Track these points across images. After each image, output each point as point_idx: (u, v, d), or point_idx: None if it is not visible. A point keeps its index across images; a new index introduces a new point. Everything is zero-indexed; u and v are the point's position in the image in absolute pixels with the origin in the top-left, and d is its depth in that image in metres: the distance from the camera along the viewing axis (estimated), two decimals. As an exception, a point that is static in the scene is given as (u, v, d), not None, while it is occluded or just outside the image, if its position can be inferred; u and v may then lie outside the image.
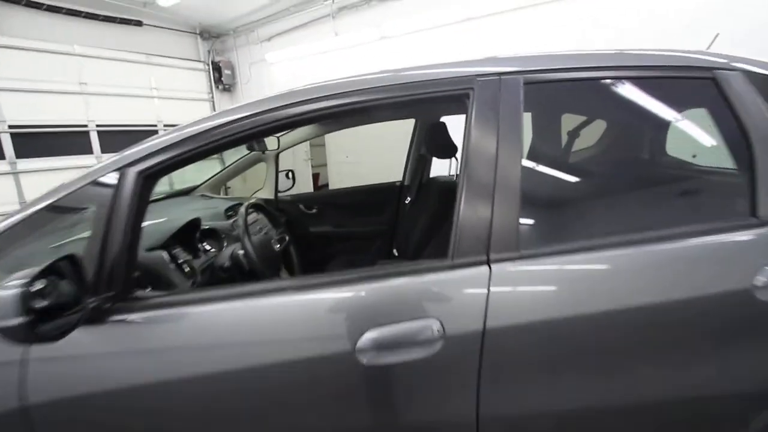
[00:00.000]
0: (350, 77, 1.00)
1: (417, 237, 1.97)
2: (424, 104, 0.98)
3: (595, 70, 0.97)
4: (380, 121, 2.36)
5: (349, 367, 0.86)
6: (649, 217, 0.98)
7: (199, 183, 2.36)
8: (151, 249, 1.21)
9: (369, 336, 0.85)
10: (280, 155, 2.38)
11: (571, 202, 1.03)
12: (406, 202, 2.38)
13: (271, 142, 2.16)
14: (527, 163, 0.92)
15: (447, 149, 1.87)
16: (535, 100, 0.96)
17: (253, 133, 0.97)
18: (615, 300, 0.86)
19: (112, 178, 0.91)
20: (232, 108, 0.99)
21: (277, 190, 2.39)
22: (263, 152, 2.12)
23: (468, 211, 0.90)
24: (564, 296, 0.87)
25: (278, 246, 1.40)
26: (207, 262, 1.36)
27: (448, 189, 1.89)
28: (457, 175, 2.01)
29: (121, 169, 0.92)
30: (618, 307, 0.86)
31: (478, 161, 0.92)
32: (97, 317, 0.87)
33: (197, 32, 6.11)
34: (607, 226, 0.99)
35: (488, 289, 0.87)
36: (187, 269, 1.24)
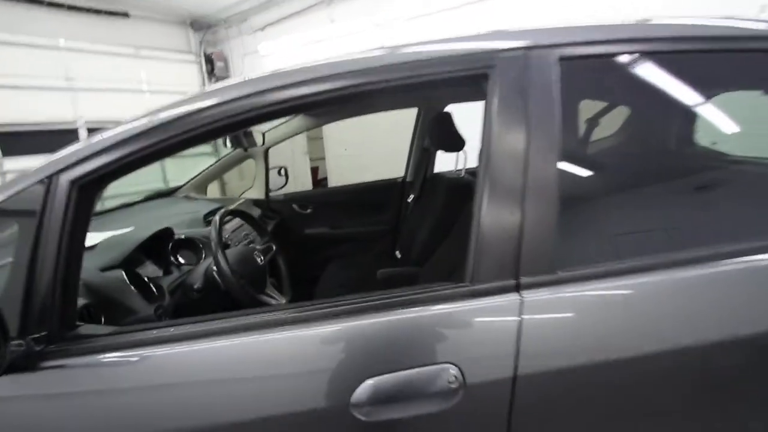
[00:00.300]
0: (341, 57, 0.80)
1: (422, 239, 1.79)
2: (430, 88, 0.78)
3: (652, 43, 0.76)
4: (379, 111, 2.16)
5: (343, 426, 0.67)
6: (731, 225, 0.78)
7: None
8: (109, 267, 1.03)
9: (367, 386, 0.67)
10: (275, 149, 2.18)
11: (623, 208, 0.83)
12: (409, 200, 2.19)
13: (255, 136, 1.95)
14: (566, 160, 0.72)
15: (454, 142, 1.68)
16: (574, 82, 0.76)
17: (224, 126, 0.77)
18: (689, 333, 0.67)
19: (37, 190, 0.72)
20: (194, 95, 0.80)
21: (267, 190, 2.20)
22: (245, 150, 1.91)
23: (491, 223, 0.71)
24: (619, 330, 0.68)
25: (262, 258, 1.21)
26: (178, 280, 1.17)
27: (455, 186, 1.70)
28: (465, 171, 1.81)
29: (50, 178, 0.72)
30: (694, 342, 0.67)
31: (503, 160, 0.72)
32: (25, 364, 0.69)
33: (187, 23, 5.86)
34: (674, 238, 0.79)
35: (519, 324, 0.68)
36: (154, 290, 1.05)
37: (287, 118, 2.09)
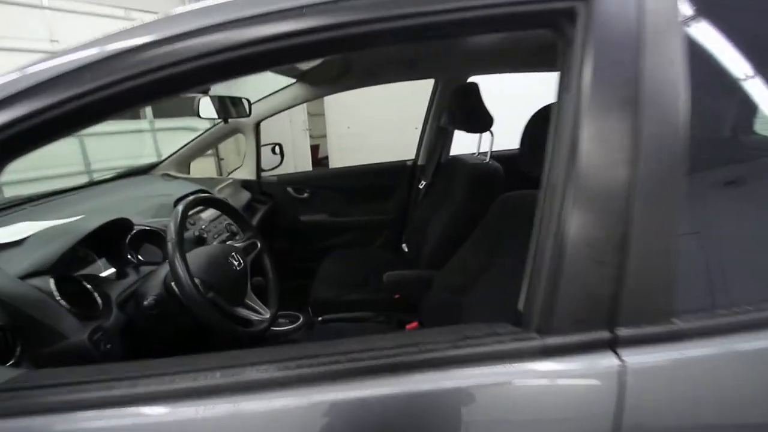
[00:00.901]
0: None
1: (435, 234, 1.54)
2: (470, 33, 0.51)
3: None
4: (390, 82, 1.87)
5: None
6: None
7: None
8: (37, 272, 0.77)
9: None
10: (271, 124, 1.90)
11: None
12: (420, 186, 1.93)
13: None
14: (699, 146, 0.47)
15: (479, 120, 1.41)
16: (711, 24, 0.49)
17: (169, 78, 0.50)
18: None
19: None
20: (126, 29, 0.54)
21: (259, 169, 1.93)
22: (225, 120, 1.63)
23: (573, 242, 0.45)
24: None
25: (241, 261, 0.94)
26: (132, 287, 0.91)
27: (478, 175, 1.43)
28: (490, 155, 1.54)
29: None
30: None
31: (597, 145, 0.46)
32: None
33: (183, -16, 5.47)
34: None
35: (618, 400, 0.43)
36: (99, 301, 0.80)
37: (280, 85, 1.80)
